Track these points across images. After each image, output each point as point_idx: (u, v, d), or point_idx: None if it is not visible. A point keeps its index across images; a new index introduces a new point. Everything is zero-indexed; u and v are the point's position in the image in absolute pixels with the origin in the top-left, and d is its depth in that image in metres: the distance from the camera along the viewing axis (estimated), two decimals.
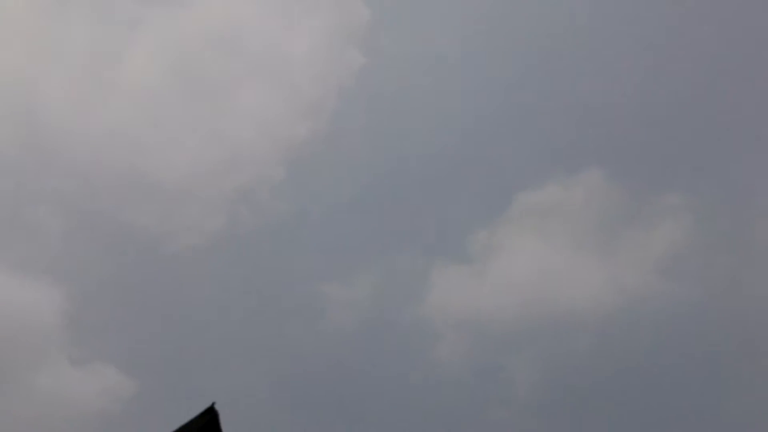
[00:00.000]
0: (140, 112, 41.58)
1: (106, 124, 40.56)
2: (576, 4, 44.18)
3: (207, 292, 39.13)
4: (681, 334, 35.11)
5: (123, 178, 39.56)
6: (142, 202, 39.78)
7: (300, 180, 43.12)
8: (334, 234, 41.52)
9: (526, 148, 43.73)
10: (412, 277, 40.70)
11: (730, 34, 41.87)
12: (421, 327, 38.35)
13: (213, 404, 5.60)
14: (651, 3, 43.76)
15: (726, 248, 37.91)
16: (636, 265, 37.85)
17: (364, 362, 36.39)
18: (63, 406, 30.26)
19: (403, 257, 41.52)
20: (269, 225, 41.43)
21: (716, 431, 29.95)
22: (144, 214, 39.25)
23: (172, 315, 37.38)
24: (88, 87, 40.94)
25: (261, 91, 43.80)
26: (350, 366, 35.71)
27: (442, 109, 44.94)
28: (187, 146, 41.45)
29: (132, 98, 41.28)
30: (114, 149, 40.01)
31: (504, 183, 42.03)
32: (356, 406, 34.21)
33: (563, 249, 40.82)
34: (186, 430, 5.50)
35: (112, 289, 37.59)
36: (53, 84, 40.42)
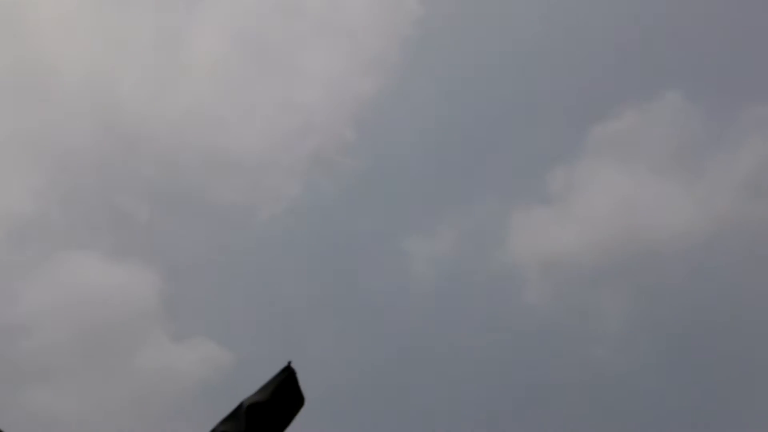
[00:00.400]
0: (213, 88, 42.38)
1: (181, 104, 41.54)
2: None
3: (292, 260, 40.06)
4: None
5: (204, 156, 40.67)
6: (225, 177, 40.86)
7: (370, 137, 43.09)
8: (409, 188, 41.48)
9: (597, 77, 42.12)
10: (493, 223, 40.26)
11: None
12: (507, 273, 38.08)
13: (289, 363, 5.61)
14: None
15: None
16: (725, 187, 36.18)
17: (453, 314, 36.53)
18: (168, 381, 31.88)
19: (481, 204, 41.06)
20: (345, 186, 41.77)
21: None
22: (227, 189, 40.36)
23: (262, 286, 38.54)
24: (160, 70, 41.97)
25: (325, 51, 43.75)
26: (438, 319, 35.92)
27: (505, 49, 43.75)
28: (261, 116, 42.09)
29: (203, 75, 42.06)
30: (192, 128, 41.05)
31: (577, 116, 40.65)
32: (448, 359, 34.47)
33: (647, 178, 39.33)
34: (266, 389, 5.55)
35: (203, 266, 39.04)
36: (126, 72, 41.68)
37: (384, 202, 42.35)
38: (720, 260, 36.16)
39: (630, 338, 34.79)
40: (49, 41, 39.44)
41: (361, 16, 43.32)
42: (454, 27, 45.10)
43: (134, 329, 34.75)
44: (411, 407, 31.28)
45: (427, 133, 43.37)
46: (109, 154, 40.04)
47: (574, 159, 41.88)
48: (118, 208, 40.16)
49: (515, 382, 32.20)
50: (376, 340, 35.63)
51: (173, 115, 41.54)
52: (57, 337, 32.94)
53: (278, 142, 41.60)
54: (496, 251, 39.96)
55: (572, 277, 37.47)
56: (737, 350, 31.96)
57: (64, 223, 39.29)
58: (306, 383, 5.93)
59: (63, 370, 32.48)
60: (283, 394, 5.55)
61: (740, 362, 31.41)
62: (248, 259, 40.19)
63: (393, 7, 43.21)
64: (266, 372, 5.78)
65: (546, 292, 37.36)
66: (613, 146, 40.80)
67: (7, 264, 34.55)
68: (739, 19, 39.99)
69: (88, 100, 40.41)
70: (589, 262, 37.24)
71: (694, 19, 40.90)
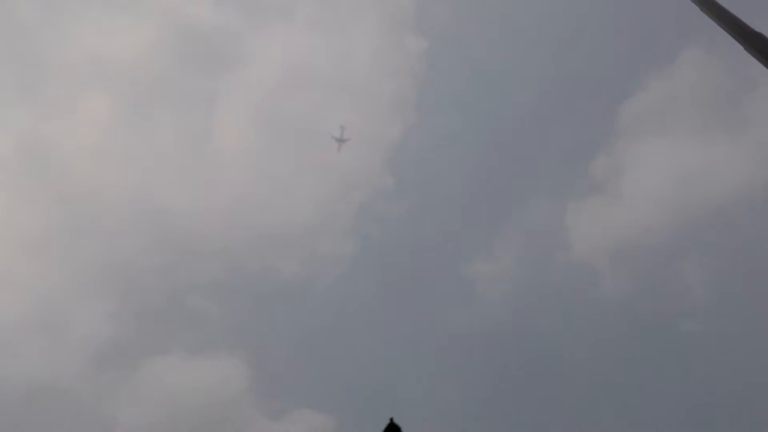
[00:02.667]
0: (247, 172, 43.73)
1: (223, 195, 43.00)
2: None
3: (365, 313, 40.33)
4: None
5: (256, 238, 41.67)
6: (281, 253, 41.64)
7: (409, 176, 43.53)
8: (458, 216, 41.53)
9: (608, 60, 41.85)
10: (549, 228, 39.89)
11: None
12: (577, 273, 37.44)
13: (391, 419, 5.81)
14: None
15: None
16: None
17: (531, 328, 36.00)
18: None
19: (532, 213, 40.79)
20: (395, 230, 42.12)
21: None
22: (286, 264, 41.08)
23: (343, 346, 38.79)
24: (194, 169, 43.47)
25: (345, 108, 44.66)
26: (520, 335, 35.44)
27: (512, 53, 43.74)
28: (301, 187, 43.00)
29: (235, 162, 43.46)
30: (239, 216, 42.27)
31: (602, 101, 40.44)
32: (543, 370, 33.88)
33: (690, 142, 38.44)
34: None
35: (282, 343, 39.60)
36: (164, 180, 43.27)
37: (436, 235, 42.48)
38: None
39: (720, 305, 33.73)
40: (87, 172, 41.36)
41: (368, 66, 44.25)
42: (458, 45, 45.66)
43: (233, 417, 35.26)
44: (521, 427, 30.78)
45: (462, 158, 43.61)
46: (169, 261, 41.41)
47: (610, 143, 41.47)
48: (190, 308, 41.29)
49: (613, 378, 31.45)
50: (468, 369, 35.35)
51: (218, 208, 42.86)
52: None
53: (323, 208, 42.34)
54: (559, 254, 39.55)
55: (645, 259, 36.68)
56: None
57: (142, 335, 40.50)
58: (409, 423, 6.07)
59: None
60: None
61: None
62: (323, 323, 40.65)
63: (395, 48, 44.01)
64: (369, 428, 5.95)
65: (622, 281, 36.62)
66: (647, 119, 40.19)
67: (98, 388, 35.67)
68: None
69: (138, 217, 42.02)
70: (658, 241, 36.44)
71: None
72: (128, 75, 44.92)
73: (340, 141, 37.79)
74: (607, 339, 33.98)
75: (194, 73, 46.05)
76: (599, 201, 38.93)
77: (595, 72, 41.51)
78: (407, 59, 44.55)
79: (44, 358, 35.53)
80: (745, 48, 9.42)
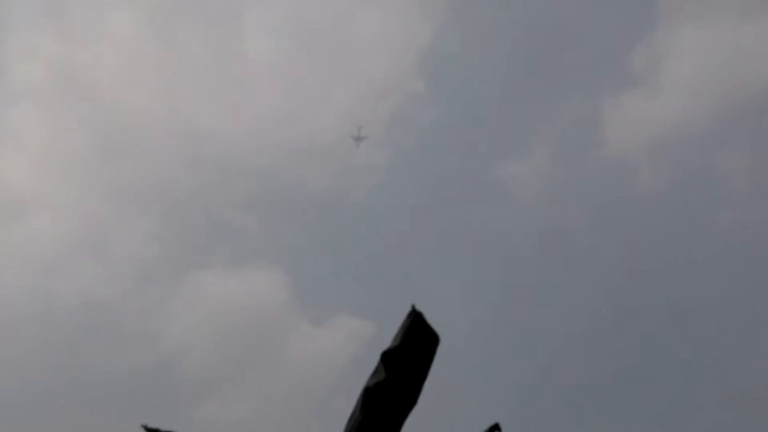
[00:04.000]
0: (277, 86, 43.34)
1: (253, 111, 42.82)
2: None
3: (398, 221, 40.52)
4: None
5: (288, 153, 41.75)
6: (314, 166, 41.78)
7: (440, 80, 42.52)
8: (491, 118, 40.72)
9: None
10: (585, 124, 38.93)
11: None
12: (615, 168, 36.73)
13: (413, 306, 5.73)
14: None
15: None
16: None
17: (566, 229, 35.74)
18: (322, 363, 33.25)
19: (568, 109, 39.73)
20: (429, 136, 41.59)
21: None
22: (319, 175, 41.25)
23: (379, 253, 39.27)
24: (224, 86, 43.29)
25: (374, 12, 43.39)
26: (555, 235, 35.29)
27: None
28: (330, 99, 42.57)
29: (264, 77, 43.08)
30: (270, 131, 42.25)
31: None
32: (577, 265, 33.88)
33: (735, 24, 36.54)
34: (397, 336, 5.71)
35: (320, 252, 40.25)
36: (195, 99, 43.28)
37: (469, 138, 41.83)
38: None
39: (760, 191, 32.92)
40: (117, 95, 41.40)
41: None
42: None
43: (276, 326, 36.41)
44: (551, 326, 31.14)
45: (494, 56, 42.26)
46: (204, 179, 41.81)
47: (649, 31, 39.60)
48: (227, 224, 41.97)
49: (651, 268, 31.27)
50: (505, 270, 35.59)
51: (248, 125, 42.72)
52: (210, 351, 35.06)
53: (354, 118, 41.86)
54: (596, 151, 38.66)
55: (683, 150, 35.72)
56: None
57: (183, 253, 41.54)
58: (443, 323, 5.98)
59: (224, 378, 34.57)
60: (414, 335, 5.65)
61: None
62: (358, 233, 41.10)
63: None
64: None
65: (661, 173, 35.86)
66: (688, 4, 38.23)
67: (144, 303, 36.98)
68: None
69: (170, 138, 42.23)
70: (697, 131, 35.30)
71: None
72: None
73: (358, 139, 37.80)
74: (646, 232, 33.71)
75: None
76: (638, 93, 37.67)
77: None
78: None
79: (93, 277, 36.86)
80: None
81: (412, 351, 5.62)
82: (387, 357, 5.55)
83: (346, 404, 6.00)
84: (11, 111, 40.50)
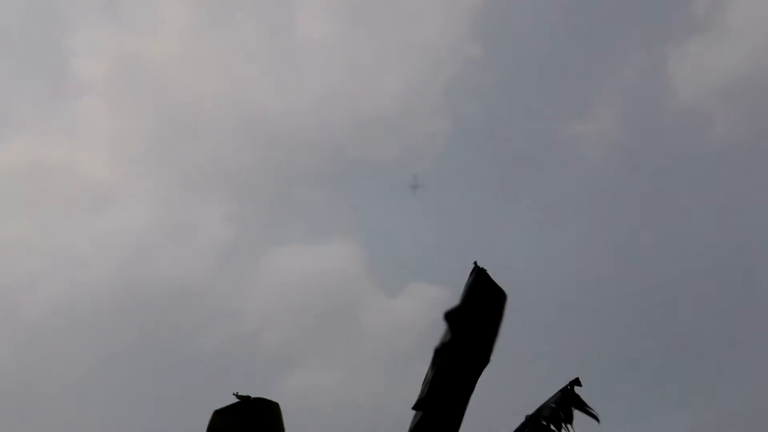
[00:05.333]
0: (334, 62, 43.38)
1: (313, 88, 43.10)
2: None
3: (464, 187, 40.17)
4: None
5: (352, 127, 41.91)
6: (378, 139, 41.84)
7: (496, 44, 41.57)
8: (552, 79, 39.56)
9: None
10: (651, 76, 37.32)
11: None
12: (684, 118, 35.22)
13: (475, 263, 5.70)
14: None
15: None
16: None
17: (639, 184, 34.56)
18: (398, 330, 33.65)
19: (630, 63, 38.19)
20: (489, 100, 40.83)
21: None
22: (384, 148, 41.29)
23: (447, 221, 39.15)
24: (281, 64, 43.67)
25: None
26: (627, 190, 34.24)
27: None
28: (388, 72, 42.38)
29: (319, 53, 43.20)
30: (331, 107, 42.46)
31: None
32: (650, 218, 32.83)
33: None
34: (461, 295, 5.71)
35: (390, 223, 40.49)
36: (254, 78, 43.84)
37: (530, 100, 40.79)
38: None
39: None
40: (178, 82, 42.41)
41: None
42: None
43: (353, 298, 36.96)
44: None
45: (551, 13, 40.94)
46: (270, 158, 42.50)
47: None
48: (298, 200, 42.67)
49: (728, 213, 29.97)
50: (583, 232, 34.88)
51: (308, 102, 43.02)
52: (291, 325, 35.98)
53: (413, 88, 41.57)
54: (664, 102, 37.03)
55: (758, 95, 33.83)
56: None
57: (259, 232, 42.52)
58: (516, 283, 5.93)
59: (307, 350, 35.45)
60: (478, 293, 5.63)
61: None
62: (427, 202, 40.99)
63: None
64: None
65: (736, 121, 34.12)
66: None
67: (227, 283, 38.16)
68: None
69: (233, 120, 43.00)
70: None
71: None
72: None
73: (415, 187, 37.91)
74: (722, 181, 32.30)
75: None
76: (704, 40, 35.78)
77: None
78: None
79: (175, 262, 38.19)
80: None
81: (476, 309, 5.61)
82: (449, 317, 5.57)
83: (425, 369, 6.07)
84: (78, 104, 42.02)
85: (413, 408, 5.51)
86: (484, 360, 5.75)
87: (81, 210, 39.24)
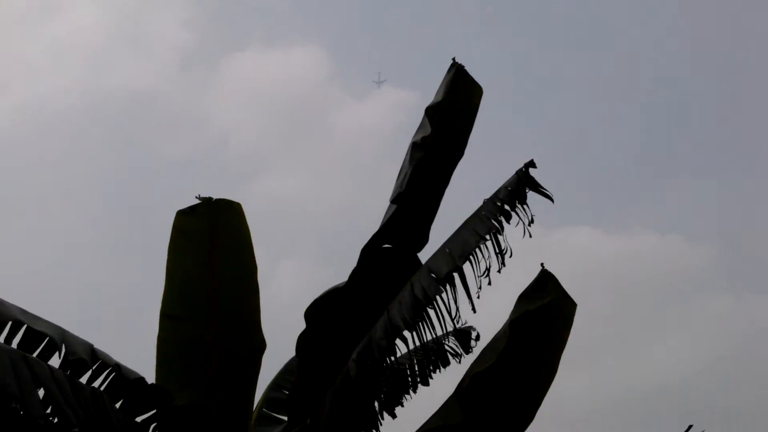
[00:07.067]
0: None
1: None
2: None
3: None
4: None
5: None
6: None
7: None
8: None
9: None
10: None
11: None
12: None
13: (453, 59, 5.74)
14: None
15: None
16: None
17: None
18: (365, 133, 33.85)
19: None
20: None
21: None
22: None
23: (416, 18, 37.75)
24: None
25: None
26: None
27: None
28: None
29: None
30: None
31: None
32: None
33: None
34: (441, 90, 5.80)
35: (352, 25, 39.04)
36: None
37: None
38: None
39: None
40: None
41: None
42: None
43: (319, 101, 36.79)
44: None
45: None
46: None
47: None
48: (258, 3, 40.71)
49: None
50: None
51: None
52: (258, 130, 36.13)
53: None
54: None
55: None
56: None
57: (218, 37, 40.94)
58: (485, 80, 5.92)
59: (275, 153, 35.94)
60: (456, 88, 5.71)
61: None
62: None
63: None
64: None
65: None
66: None
67: (188, 89, 37.46)
68: None
69: None
70: None
71: None
72: None
73: (380, 82, 34.71)
74: None
75: None
76: None
77: None
78: None
79: (136, 69, 37.18)
80: None
81: (455, 104, 5.73)
82: (431, 111, 5.71)
83: (393, 168, 6.22)
84: None
85: (392, 201, 5.76)
86: (458, 153, 5.96)
87: (33, 18, 37.21)
